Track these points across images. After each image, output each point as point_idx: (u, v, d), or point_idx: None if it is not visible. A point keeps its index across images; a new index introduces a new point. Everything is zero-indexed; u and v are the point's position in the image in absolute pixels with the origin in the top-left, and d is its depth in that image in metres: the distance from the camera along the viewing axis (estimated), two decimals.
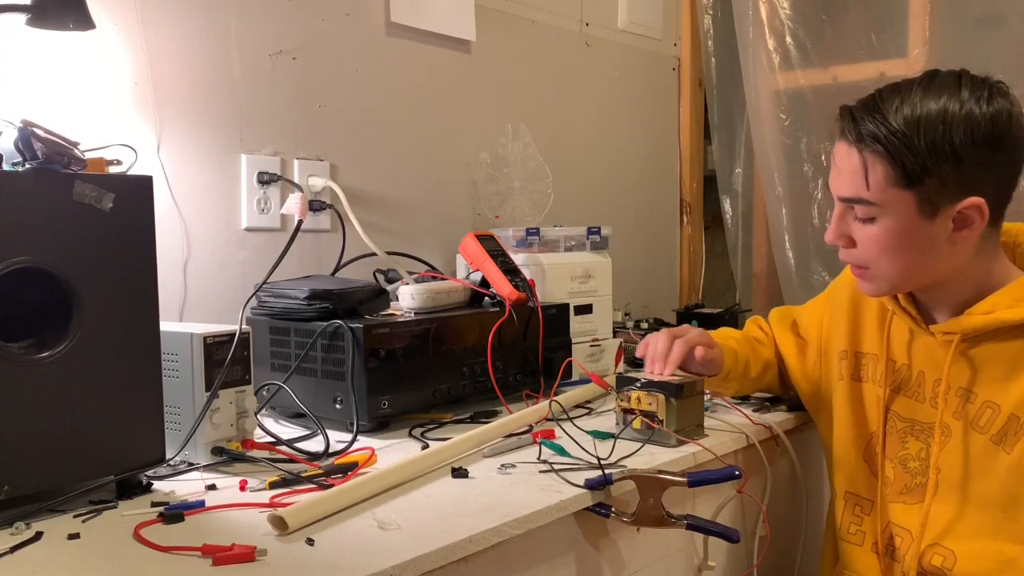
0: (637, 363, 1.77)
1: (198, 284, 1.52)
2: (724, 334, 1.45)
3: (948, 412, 1.20)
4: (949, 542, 1.19)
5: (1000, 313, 1.13)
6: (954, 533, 1.18)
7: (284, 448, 1.19)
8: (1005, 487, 1.14)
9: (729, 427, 1.33)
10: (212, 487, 1.06)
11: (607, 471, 1.07)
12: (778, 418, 1.42)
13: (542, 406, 1.35)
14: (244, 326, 1.19)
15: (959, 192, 1.09)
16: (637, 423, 1.26)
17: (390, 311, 1.44)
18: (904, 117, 1.08)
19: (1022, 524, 1.14)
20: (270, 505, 0.98)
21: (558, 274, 1.73)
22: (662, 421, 1.24)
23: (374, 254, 1.63)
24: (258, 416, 1.25)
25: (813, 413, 1.42)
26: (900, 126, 1.08)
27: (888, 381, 1.27)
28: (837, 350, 1.36)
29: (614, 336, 1.85)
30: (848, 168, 1.12)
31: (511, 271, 1.55)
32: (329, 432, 1.25)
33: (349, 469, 1.09)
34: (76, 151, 0.98)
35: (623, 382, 1.29)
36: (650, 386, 1.26)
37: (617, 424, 1.29)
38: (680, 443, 1.23)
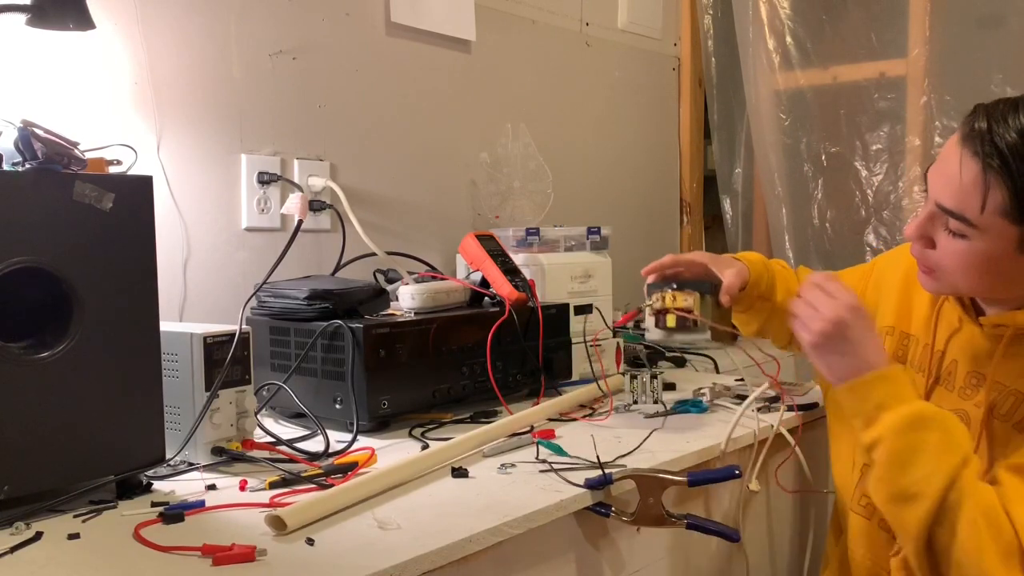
0: (638, 363, 1.78)
1: (198, 284, 1.52)
2: (744, 254, 1.41)
3: (974, 400, 1.15)
4: None
5: None
6: None
7: (284, 448, 1.19)
8: None
9: (730, 426, 1.33)
10: (212, 487, 1.06)
11: (607, 470, 1.07)
12: (780, 418, 1.42)
13: (542, 406, 1.35)
14: (244, 326, 1.19)
15: None
16: (671, 320, 1.25)
17: (390, 311, 1.44)
18: None
19: None
20: (270, 505, 0.98)
21: (558, 274, 1.73)
22: (697, 317, 1.24)
23: (374, 254, 1.63)
24: (258, 416, 1.25)
25: None
26: None
27: (932, 370, 1.22)
28: (881, 324, 1.30)
29: (614, 336, 1.85)
30: (964, 180, 1.03)
31: (511, 271, 1.55)
32: (329, 432, 1.25)
33: (349, 469, 1.09)
34: (76, 151, 0.98)
35: (654, 288, 1.30)
36: (684, 286, 1.27)
37: (646, 329, 1.30)
38: (716, 336, 1.22)
